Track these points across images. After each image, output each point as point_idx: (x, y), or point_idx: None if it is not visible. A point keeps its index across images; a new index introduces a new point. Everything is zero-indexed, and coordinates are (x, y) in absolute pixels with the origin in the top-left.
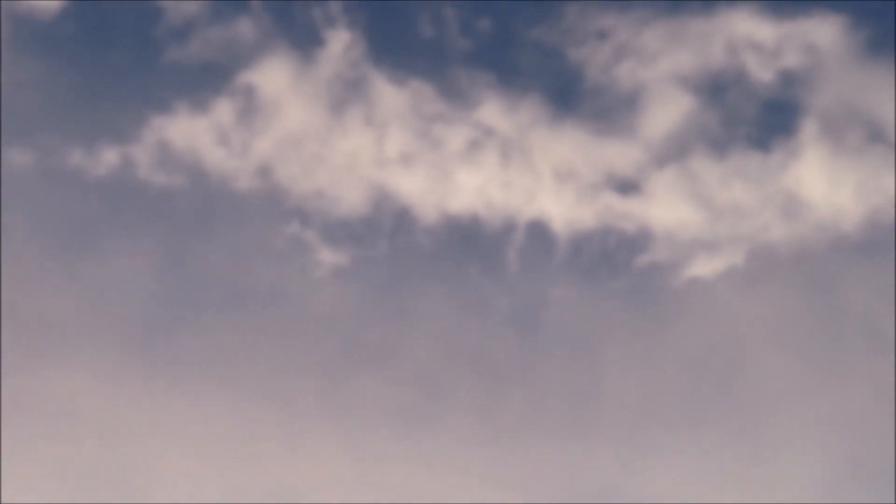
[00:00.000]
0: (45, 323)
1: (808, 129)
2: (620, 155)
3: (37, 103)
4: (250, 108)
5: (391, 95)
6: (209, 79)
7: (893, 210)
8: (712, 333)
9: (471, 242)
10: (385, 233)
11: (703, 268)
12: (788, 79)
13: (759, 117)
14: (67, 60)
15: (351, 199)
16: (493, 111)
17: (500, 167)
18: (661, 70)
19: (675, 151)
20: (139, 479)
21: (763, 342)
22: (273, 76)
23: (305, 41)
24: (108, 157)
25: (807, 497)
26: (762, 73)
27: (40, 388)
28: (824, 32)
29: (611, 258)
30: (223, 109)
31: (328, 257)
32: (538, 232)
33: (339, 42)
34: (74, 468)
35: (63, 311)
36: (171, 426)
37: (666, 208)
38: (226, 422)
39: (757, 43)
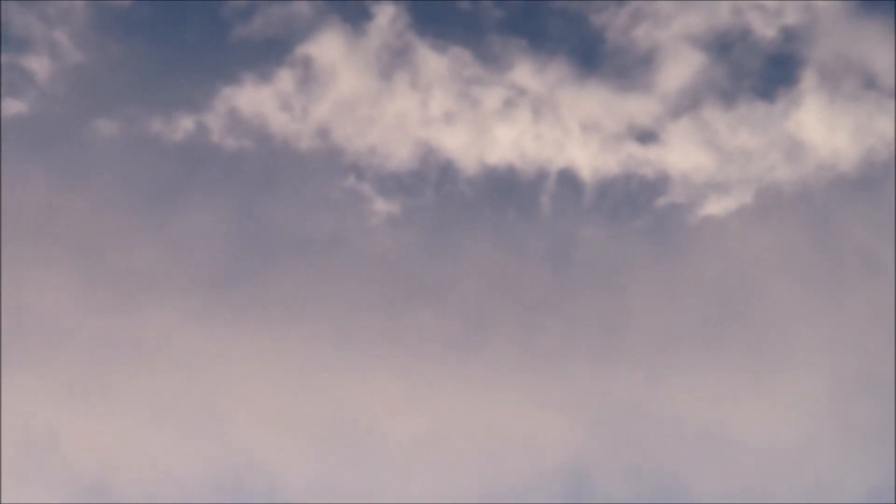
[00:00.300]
0: (136, 272)
1: (808, 79)
2: (640, 108)
3: (120, 79)
4: (308, 76)
5: (433, 61)
6: (271, 52)
7: (889, 150)
8: (725, 266)
9: (508, 190)
10: (431, 184)
11: (716, 207)
12: (789, 35)
13: (763, 70)
14: (145, 40)
15: (400, 154)
16: (524, 72)
17: (532, 122)
18: (675, 30)
19: (688, 103)
20: (222, 406)
21: (771, 272)
22: (328, 48)
23: (355, 15)
24: (184, 125)
25: (812, 408)
26: (765, 30)
27: (136, 329)
28: None
29: (633, 201)
30: (284, 79)
31: (381, 207)
32: (567, 179)
33: (386, 15)
34: (166, 398)
35: (151, 262)
36: (249, 359)
37: (681, 154)
38: (296, 354)
39: (760, 3)
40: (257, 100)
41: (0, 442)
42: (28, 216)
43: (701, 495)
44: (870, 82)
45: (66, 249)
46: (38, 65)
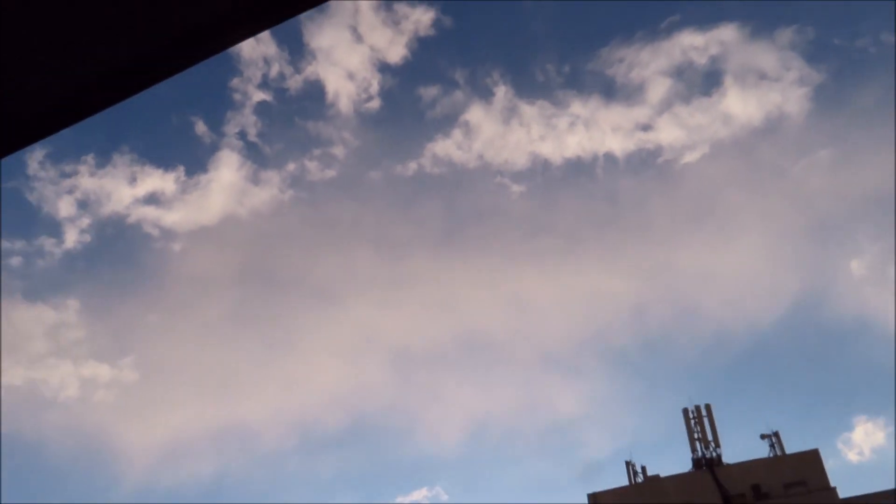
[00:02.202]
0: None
1: (728, 84)
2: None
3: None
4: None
5: (530, 108)
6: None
7: None
8: (699, 184)
9: (579, 173)
10: (537, 174)
11: (690, 158)
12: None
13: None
14: None
15: (521, 161)
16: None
17: (585, 129)
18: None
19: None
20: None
21: (725, 184)
22: (475, 114)
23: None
24: (412, 166)
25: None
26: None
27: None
28: None
29: (644, 161)
30: (456, 135)
31: (514, 189)
32: (610, 156)
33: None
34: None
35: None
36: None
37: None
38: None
39: None
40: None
41: None
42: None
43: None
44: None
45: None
46: None
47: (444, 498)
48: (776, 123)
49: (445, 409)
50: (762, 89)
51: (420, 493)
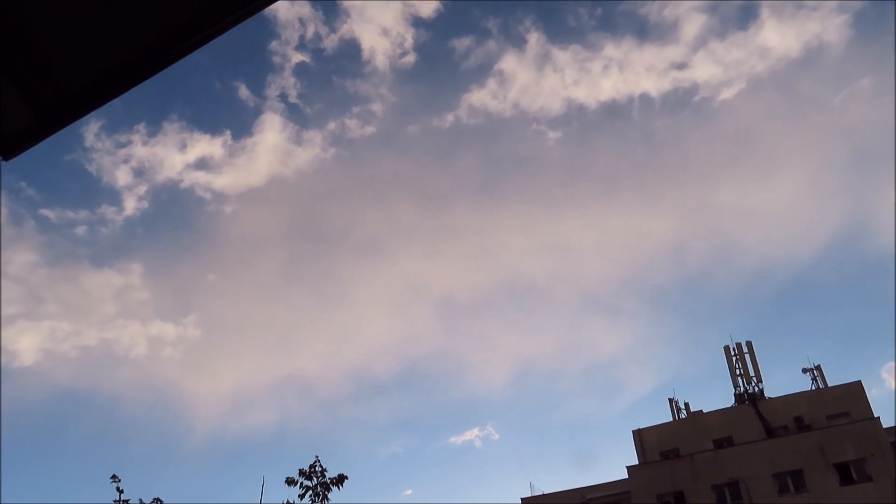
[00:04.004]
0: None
1: (764, 14)
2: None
3: None
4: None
5: (562, 53)
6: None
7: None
8: (735, 120)
9: (611, 116)
10: (573, 121)
11: (726, 94)
12: None
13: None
14: None
15: (556, 107)
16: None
17: (619, 71)
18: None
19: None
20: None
21: (761, 120)
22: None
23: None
24: (449, 118)
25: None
26: None
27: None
28: None
29: (680, 100)
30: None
31: (550, 136)
32: (646, 96)
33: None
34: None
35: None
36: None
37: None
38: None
39: None
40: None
41: None
42: None
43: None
44: None
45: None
46: None
47: (495, 437)
48: (815, 54)
49: (492, 353)
50: (800, 19)
51: (472, 433)
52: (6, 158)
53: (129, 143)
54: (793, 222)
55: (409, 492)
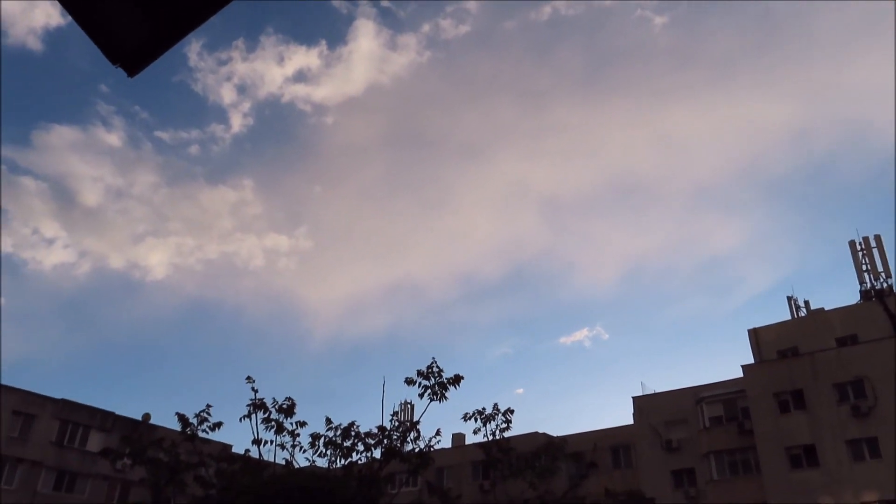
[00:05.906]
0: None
1: None
2: None
3: None
4: None
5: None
6: None
7: None
8: None
9: None
10: None
11: None
12: None
13: None
14: None
15: None
16: None
17: None
18: None
19: None
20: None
21: None
22: None
23: None
24: None
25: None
26: None
27: None
28: None
29: None
30: None
31: (657, 21)
32: None
33: None
34: None
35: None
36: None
37: None
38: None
39: None
40: None
41: None
42: None
43: None
44: None
45: None
46: None
47: (605, 337)
48: None
49: (599, 252)
50: None
51: (581, 333)
52: (130, 75)
53: (229, 59)
54: None
55: (521, 391)
